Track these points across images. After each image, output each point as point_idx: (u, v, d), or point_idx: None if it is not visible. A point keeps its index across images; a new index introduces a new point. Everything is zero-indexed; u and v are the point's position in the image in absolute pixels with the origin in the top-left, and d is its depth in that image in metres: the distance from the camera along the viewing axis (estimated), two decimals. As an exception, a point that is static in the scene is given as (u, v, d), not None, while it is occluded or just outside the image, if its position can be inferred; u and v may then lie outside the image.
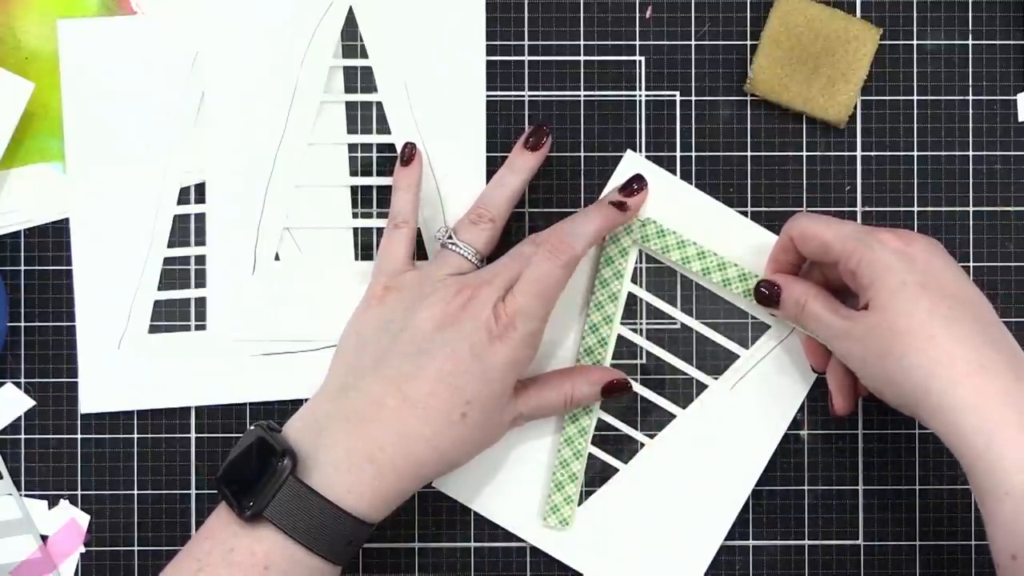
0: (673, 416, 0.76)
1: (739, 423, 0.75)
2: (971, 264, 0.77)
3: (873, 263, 0.65)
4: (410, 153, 0.73)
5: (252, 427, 0.67)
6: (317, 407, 0.68)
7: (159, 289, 0.77)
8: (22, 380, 0.77)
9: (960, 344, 0.63)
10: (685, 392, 0.76)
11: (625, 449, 0.76)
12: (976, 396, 0.62)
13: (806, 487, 0.77)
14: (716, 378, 0.76)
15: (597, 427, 0.76)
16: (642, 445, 0.76)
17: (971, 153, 0.77)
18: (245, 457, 0.66)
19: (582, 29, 0.77)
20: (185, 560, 0.65)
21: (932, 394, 0.63)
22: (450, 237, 0.71)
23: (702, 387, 0.76)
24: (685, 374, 0.76)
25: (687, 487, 0.75)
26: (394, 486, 0.66)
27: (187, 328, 0.77)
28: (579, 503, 0.75)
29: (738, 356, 0.76)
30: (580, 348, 0.75)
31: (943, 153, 0.77)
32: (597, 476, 0.76)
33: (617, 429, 0.76)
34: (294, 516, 0.64)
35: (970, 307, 0.65)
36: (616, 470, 0.76)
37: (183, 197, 0.77)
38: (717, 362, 0.76)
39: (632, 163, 0.76)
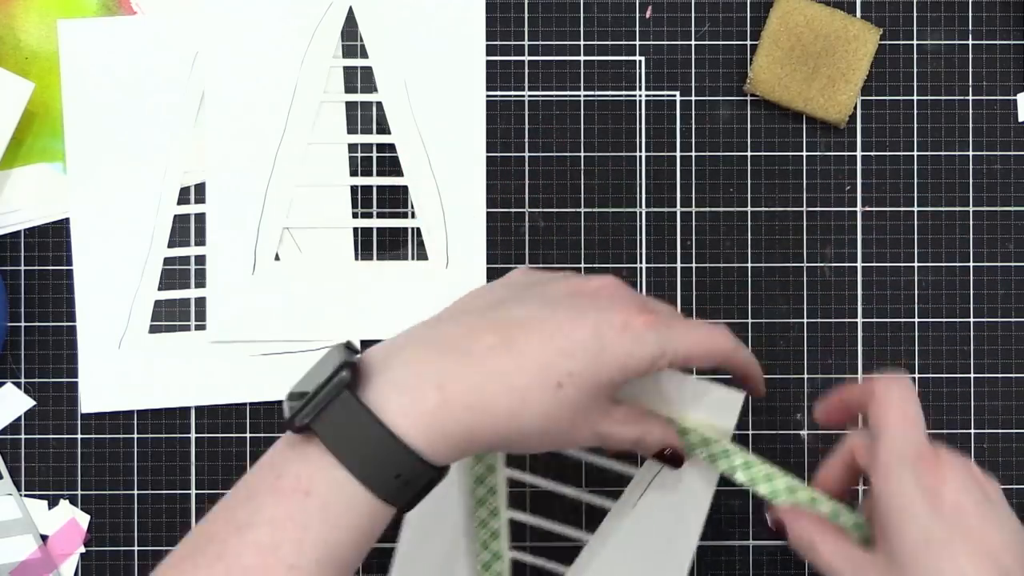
0: (583, 542, 0.70)
1: (649, 537, 0.68)
2: (971, 264, 0.77)
3: (891, 503, 0.59)
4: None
5: (335, 345, 0.62)
6: (408, 331, 0.62)
7: (159, 289, 0.77)
8: (22, 380, 0.77)
9: None
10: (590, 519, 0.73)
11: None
12: None
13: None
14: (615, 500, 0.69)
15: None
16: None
17: (971, 153, 0.77)
18: (315, 370, 0.60)
19: (582, 29, 0.77)
20: (240, 489, 0.60)
21: None
22: None
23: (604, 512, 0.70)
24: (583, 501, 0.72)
25: None
26: (460, 424, 0.58)
27: (187, 328, 0.77)
28: None
29: (631, 475, 0.70)
30: (478, 565, 0.70)
31: (943, 153, 0.77)
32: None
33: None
34: (342, 434, 0.57)
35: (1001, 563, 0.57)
36: None
37: (183, 197, 0.77)
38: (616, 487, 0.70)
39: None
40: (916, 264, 0.77)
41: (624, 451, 0.66)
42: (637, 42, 0.77)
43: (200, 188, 0.77)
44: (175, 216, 0.77)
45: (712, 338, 0.63)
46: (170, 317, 0.77)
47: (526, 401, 0.58)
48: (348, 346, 0.60)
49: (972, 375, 0.77)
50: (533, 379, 0.58)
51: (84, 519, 0.77)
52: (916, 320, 0.77)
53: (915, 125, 0.77)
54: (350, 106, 0.77)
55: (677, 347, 0.61)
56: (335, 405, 0.57)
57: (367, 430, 0.57)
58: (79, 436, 0.77)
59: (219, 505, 0.59)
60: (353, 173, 0.77)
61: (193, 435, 0.77)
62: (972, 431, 0.77)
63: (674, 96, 0.77)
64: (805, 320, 0.77)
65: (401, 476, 0.57)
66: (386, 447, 0.57)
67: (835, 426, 0.66)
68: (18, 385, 0.77)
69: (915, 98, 0.77)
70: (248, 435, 0.77)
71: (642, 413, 0.65)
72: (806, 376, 0.77)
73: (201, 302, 0.77)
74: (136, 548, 0.77)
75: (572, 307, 0.60)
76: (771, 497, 0.65)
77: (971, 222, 0.77)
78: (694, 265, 0.77)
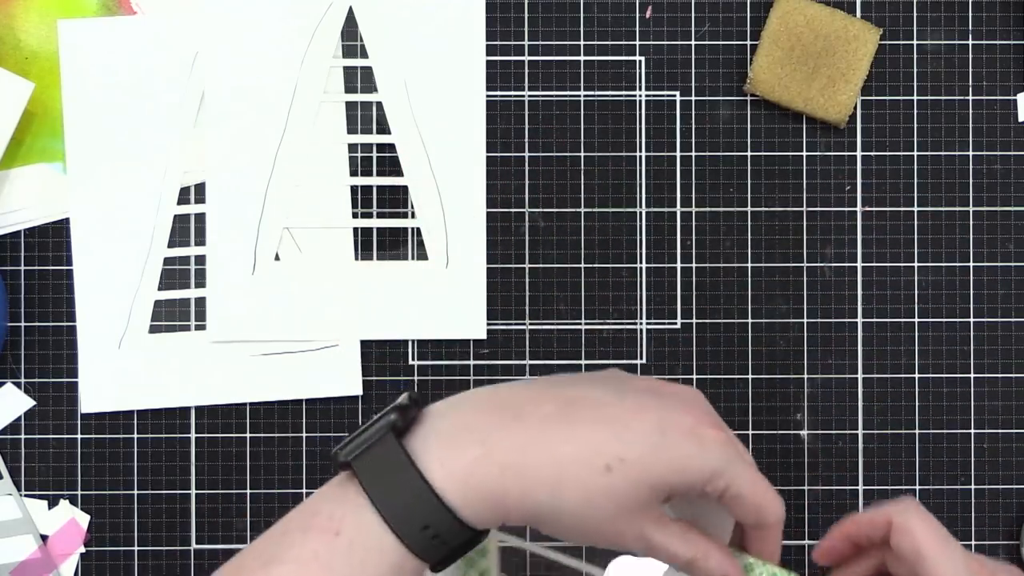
0: None
1: None
2: (971, 264, 0.77)
3: None
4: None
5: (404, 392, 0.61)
6: (474, 390, 0.60)
7: (159, 289, 0.77)
8: (22, 380, 0.77)
9: None
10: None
11: None
12: None
13: (806, 487, 0.77)
14: None
15: None
16: None
17: (971, 153, 0.77)
18: (376, 415, 0.59)
19: (582, 29, 0.77)
20: (279, 524, 0.59)
21: None
22: None
23: None
24: None
25: None
26: (496, 483, 0.55)
27: (187, 328, 0.77)
28: None
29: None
30: None
31: (943, 153, 0.77)
32: None
33: None
34: (379, 476, 0.55)
35: None
36: None
37: (183, 197, 0.77)
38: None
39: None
40: (916, 264, 0.77)
41: (667, 563, 0.61)
42: (637, 42, 0.77)
43: (200, 188, 0.77)
44: (175, 216, 0.77)
45: (772, 496, 0.59)
46: (170, 317, 0.77)
47: (567, 476, 0.55)
48: (411, 395, 0.59)
49: (972, 375, 0.77)
50: (580, 453, 0.55)
51: (84, 519, 0.77)
52: (916, 320, 0.77)
53: (915, 125, 0.77)
54: (350, 106, 0.77)
55: (740, 477, 0.57)
56: (378, 446, 0.56)
57: (403, 476, 0.55)
58: (79, 436, 0.77)
59: (258, 538, 0.58)
60: (353, 173, 0.77)
61: (193, 435, 0.77)
62: (972, 431, 0.77)
63: (674, 96, 0.77)
64: (805, 320, 0.77)
65: (430, 528, 0.55)
66: (418, 495, 0.55)
67: (837, 563, 0.62)
68: (18, 385, 0.77)
69: (915, 98, 0.77)
70: (248, 435, 0.77)
71: (701, 534, 0.59)
72: (806, 376, 0.77)
73: (201, 302, 0.77)
74: (136, 548, 0.77)
75: (643, 398, 0.58)
76: None
77: (971, 222, 0.77)
78: (694, 265, 0.77)
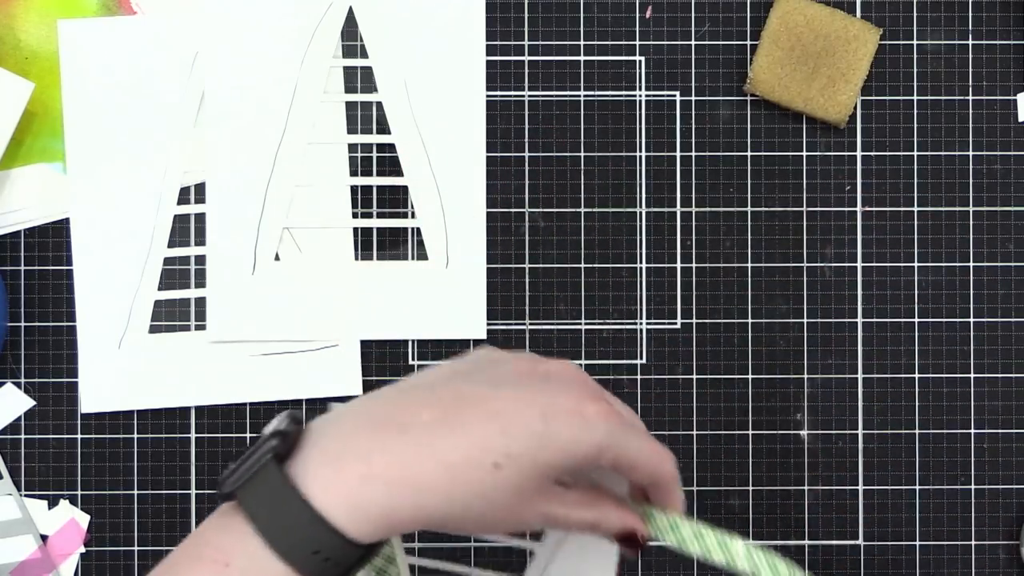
0: None
1: None
2: (971, 264, 0.77)
3: None
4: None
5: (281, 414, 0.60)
6: (352, 402, 0.60)
7: (159, 289, 0.77)
8: (22, 380, 0.77)
9: None
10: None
11: None
12: None
13: (806, 487, 0.77)
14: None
15: None
16: None
17: (971, 153, 0.77)
18: (256, 440, 0.58)
19: (582, 29, 0.77)
20: (167, 559, 0.58)
21: None
22: None
23: None
24: None
25: None
26: (382, 502, 0.55)
27: (187, 328, 0.77)
28: None
29: (532, 551, 0.66)
30: None
31: (943, 153, 0.77)
32: None
33: None
34: (263, 504, 0.55)
35: None
36: None
37: (183, 197, 0.77)
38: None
39: None
40: (916, 264, 0.77)
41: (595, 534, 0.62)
42: (637, 42, 0.77)
43: (200, 188, 0.77)
44: (175, 216, 0.77)
45: (661, 456, 0.60)
46: (170, 317, 0.77)
47: (459, 480, 0.55)
48: (292, 415, 0.58)
49: (972, 375, 0.77)
50: (467, 456, 0.55)
51: (84, 519, 0.77)
52: (916, 320, 0.77)
53: (915, 125, 0.77)
54: (350, 106, 0.77)
55: (627, 447, 0.58)
56: (260, 475, 0.55)
57: (288, 503, 0.54)
58: (79, 436, 0.77)
59: (150, 573, 0.57)
60: (353, 173, 0.77)
61: (193, 435, 0.77)
62: (972, 431, 0.77)
63: (674, 96, 0.77)
64: (805, 320, 0.77)
65: (321, 553, 0.54)
66: (305, 521, 0.54)
67: None
68: (18, 385, 0.77)
69: (915, 98, 0.77)
70: (248, 435, 0.77)
71: (598, 495, 0.61)
72: (806, 376, 0.77)
73: (201, 302, 0.77)
74: (136, 548, 0.77)
75: (520, 387, 0.57)
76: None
77: (971, 222, 0.77)
78: (694, 265, 0.77)
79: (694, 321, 0.77)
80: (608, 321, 0.77)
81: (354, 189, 0.77)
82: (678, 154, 0.77)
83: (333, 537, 0.54)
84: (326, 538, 0.54)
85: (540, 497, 0.58)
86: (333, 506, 0.55)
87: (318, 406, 0.77)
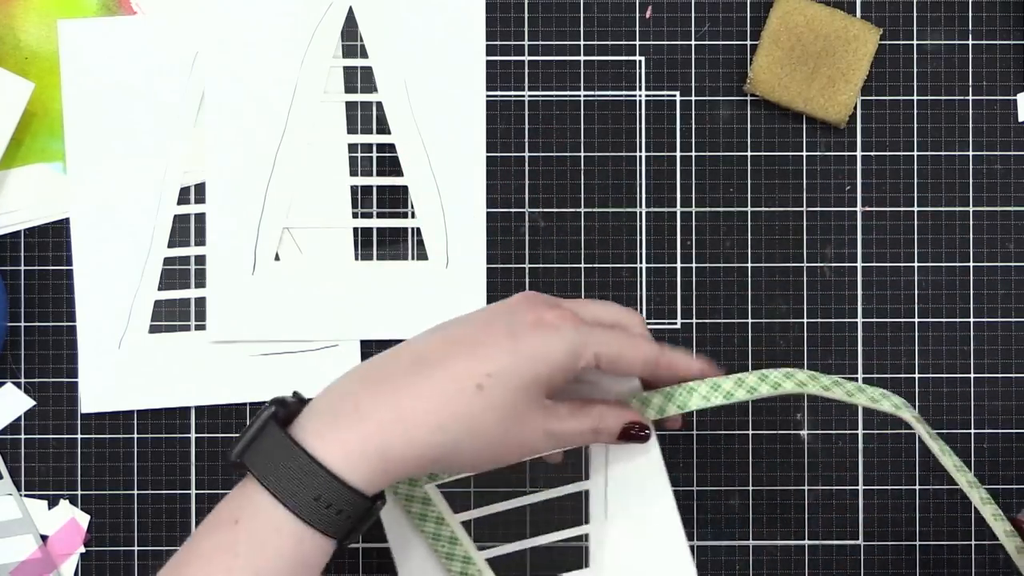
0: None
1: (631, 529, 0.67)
2: (971, 264, 0.77)
3: None
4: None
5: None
6: (346, 371, 0.62)
7: (159, 289, 0.77)
8: (22, 380, 0.77)
9: None
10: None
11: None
12: None
13: (806, 487, 0.77)
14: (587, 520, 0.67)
15: None
16: None
17: (971, 153, 0.77)
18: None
19: (582, 29, 0.77)
20: (190, 537, 0.62)
21: None
22: None
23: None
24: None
25: None
26: (375, 441, 0.57)
27: (187, 328, 0.77)
28: None
29: (586, 488, 0.68)
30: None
31: (943, 153, 0.77)
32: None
33: None
34: (268, 461, 0.57)
35: None
36: None
37: (183, 197, 0.77)
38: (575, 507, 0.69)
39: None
40: (916, 264, 0.77)
41: (582, 444, 0.64)
42: (637, 42, 0.77)
43: (200, 188, 0.77)
44: (175, 216, 0.77)
45: (633, 340, 0.62)
46: (170, 317, 0.77)
47: (446, 409, 0.58)
48: (296, 393, 0.62)
49: (972, 375, 0.77)
50: (449, 386, 0.58)
51: (84, 519, 0.77)
52: (916, 320, 0.77)
53: (915, 125, 0.77)
54: (350, 106, 0.77)
55: (602, 344, 0.61)
56: (262, 436, 0.58)
57: (289, 455, 0.57)
58: (79, 436, 0.77)
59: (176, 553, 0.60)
60: (353, 173, 0.77)
61: (193, 435, 0.77)
62: (972, 431, 0.77)
63: (674, 96, 0.77)
64: (805, 320, 0.77)
65: (322, 499, 0.57)
66: (305, 470, 0.57)
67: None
68: (18, 385, 0.77)
69: (915, 98, 0.77)
70: (248, 435, 0.77)
71: (589, 401, 0.63)
72: (806, 376, 0.77)
73: (201, 302, 0.77)
74: (136, 548, 0.77)
75: (486, 315, 0.61)
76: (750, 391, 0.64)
77: (971, 222, 0.77)
78: (694, 265, 0.77)
79: (694, 321, 0.77)
80: (608, 321, 0.77)
81: (354, 189, 0.77)
82: (678, 154, 0.77)
83: (331, 482, 0.57)
84: (326, 484, 0.57)
85: (534, 415, 0.60)
86: (329, 452, 0.57)
87: (318, 406, 0.77)
